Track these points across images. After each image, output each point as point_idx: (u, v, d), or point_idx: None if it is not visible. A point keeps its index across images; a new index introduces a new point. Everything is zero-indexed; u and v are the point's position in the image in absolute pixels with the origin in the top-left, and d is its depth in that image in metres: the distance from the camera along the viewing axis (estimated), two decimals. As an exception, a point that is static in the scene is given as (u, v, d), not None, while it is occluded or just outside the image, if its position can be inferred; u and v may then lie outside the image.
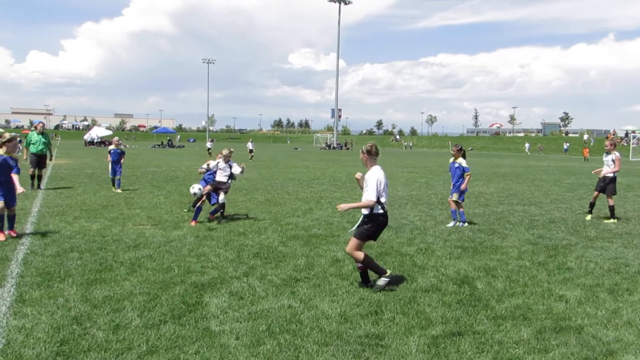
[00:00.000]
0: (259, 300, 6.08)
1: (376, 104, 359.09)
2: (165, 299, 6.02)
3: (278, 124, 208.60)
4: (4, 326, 5.15)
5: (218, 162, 11.74)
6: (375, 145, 6.69)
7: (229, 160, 11.69)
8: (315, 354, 4.67)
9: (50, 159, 17.75)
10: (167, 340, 4.90)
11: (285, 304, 5.95)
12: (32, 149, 16.83)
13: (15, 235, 9.20)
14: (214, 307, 5.80)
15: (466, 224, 11.25)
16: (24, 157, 16.72)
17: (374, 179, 6.38)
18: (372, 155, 6.60)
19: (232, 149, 12.04)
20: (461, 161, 11.23)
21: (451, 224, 11.25)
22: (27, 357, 4.50)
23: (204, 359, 4.55)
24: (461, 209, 11.35)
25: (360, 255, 6.54)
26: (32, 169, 16.89)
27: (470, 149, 77.83)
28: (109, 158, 17.16)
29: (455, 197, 11.20)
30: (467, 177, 11.20)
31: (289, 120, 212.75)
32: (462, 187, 11.12)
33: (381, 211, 6.47)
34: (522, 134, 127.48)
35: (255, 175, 23.22)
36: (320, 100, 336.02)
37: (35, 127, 17.67)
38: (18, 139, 9.64)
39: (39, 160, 16.92)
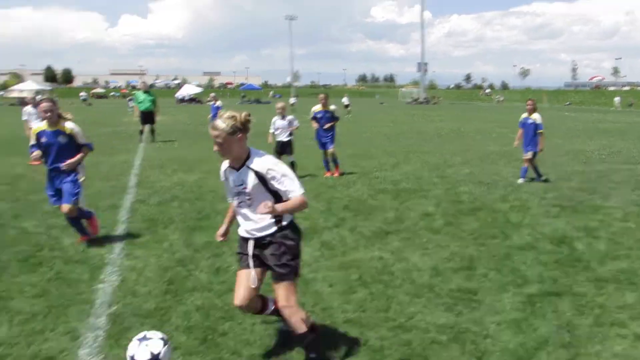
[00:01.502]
0: (349, 251, 6.19)
1: (464, 57, 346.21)
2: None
3: (362, 78, 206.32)
4: (119, 265, 5.64)
5: (274, 121, 10.89)
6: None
7: (284, 116, 10.91)
8: (407, 305, 4.71)
9: (157, 115, 18.81)
10: (264, 284, 5.14)
11: (376, 256, 6.01)
12: (140, 107, 18.21)
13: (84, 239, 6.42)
14: (306, 255, 5.96)
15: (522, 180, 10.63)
16: (135, 115, 18.51)
17: (281, 165, 3.76)
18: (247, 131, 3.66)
19: (284, 103, 11.01)
20: (536, 117, 10.59)
21: (521, 180, 10.67)
22: (140, 293, 4.91)
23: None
24: (526, 165, 10.74)
25: (302, 313, 3.99)
26: (141, 126, 18.35)
27: (567, 103, 72.88)
28: (210, 113, 18.22)
29: (530, 155, 10.60)
30: (542, 135, 10.56)
31: (373, 75, 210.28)
32: (541, 146, 10.51)
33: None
34: (627, 88, 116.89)
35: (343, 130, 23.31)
36: (405, 55, 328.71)
37: (139, 87, 18.95)
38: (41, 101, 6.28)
39: (146, 117, 18.19)
